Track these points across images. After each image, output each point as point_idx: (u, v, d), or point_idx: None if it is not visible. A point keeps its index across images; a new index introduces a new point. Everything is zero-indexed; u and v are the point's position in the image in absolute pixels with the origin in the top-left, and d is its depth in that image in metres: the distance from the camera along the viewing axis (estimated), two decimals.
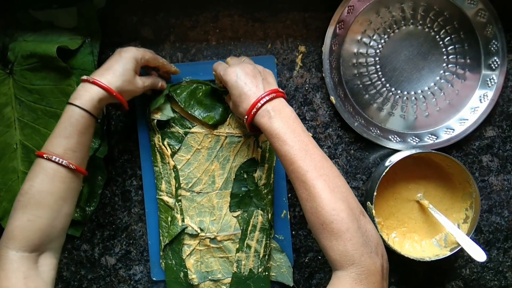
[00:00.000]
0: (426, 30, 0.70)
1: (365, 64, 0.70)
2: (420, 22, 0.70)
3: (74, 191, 0.57)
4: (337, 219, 0.47)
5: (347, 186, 0.51)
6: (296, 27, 0.71)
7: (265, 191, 0.68)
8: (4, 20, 0.69)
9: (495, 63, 0.69)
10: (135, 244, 0.72)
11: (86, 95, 0.55)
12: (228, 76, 0.57)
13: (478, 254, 0.61)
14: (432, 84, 0.71)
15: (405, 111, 0.71)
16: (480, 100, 0.70)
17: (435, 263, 0.71)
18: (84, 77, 0.57)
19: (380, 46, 0.70)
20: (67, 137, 0.55)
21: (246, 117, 0.55)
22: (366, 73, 0.71)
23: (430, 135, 0.71)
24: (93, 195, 0.70)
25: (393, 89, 0.71)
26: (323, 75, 0.70)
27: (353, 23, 0.69)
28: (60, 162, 0.54)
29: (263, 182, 0.68)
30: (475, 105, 0.71)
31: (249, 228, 0.68)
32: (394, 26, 0.70)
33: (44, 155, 0.54)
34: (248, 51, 0.71)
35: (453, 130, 0.71)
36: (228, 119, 0.68)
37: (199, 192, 0.68)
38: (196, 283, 0.69)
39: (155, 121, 0.67)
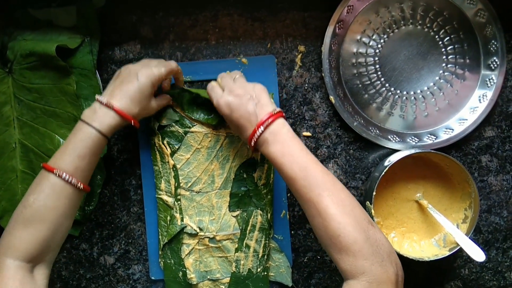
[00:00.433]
0: (426, 30, 0.70)
1: (365, 64, 0.70)
2: (420, 22, 0.70)
3: (76, 207, 0.57)
4: (344, 233, 0.48)
5: (352, 198, 0.52)
6: (295, 27, 0.71)
7: (265, 191, 0.68)
8: (3, 19, 0.68)
9: (494, 63, 0.69)
10: (134, 243, 0.72)
11: (106, 120, 0.56)
12: (222, 108, 0.58)
13: (477, 254, 0.62)
14: (432, 84, 0.71)
15: (405, 111, 0.71)
16: (480, 100, 0.70)
17: (434, 263, 0.71)
18: (101, 98, 0.57)
19: (379, 46, 0.70)
20: (80, 156, 0.55)
21: (248, 146, 0.58)
22: (366, 73, 0.71)
23: (429, 135, 0.71)
24: (92, 195, 0.69)
25: (392, 89, 0.71)
26: (323, 74, 0.70)
27: (352, 23, 0.69)
28: (69, 181, 0.54)
29: (262, 182, 0.68)
30: (474, 105, 0.71)
31: (248, 228, 0.68)
32: (394, 26, 0.70)
33: (54, 171, 0.54)
34: (248, 51, 0.71)
35: (453, 130, 0.71)
36: None
37: (199, 192, 0.68)
38: (194, 283, 0.69)
39: (158, 124, 0.67)
